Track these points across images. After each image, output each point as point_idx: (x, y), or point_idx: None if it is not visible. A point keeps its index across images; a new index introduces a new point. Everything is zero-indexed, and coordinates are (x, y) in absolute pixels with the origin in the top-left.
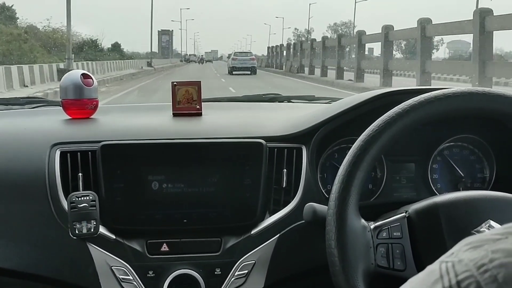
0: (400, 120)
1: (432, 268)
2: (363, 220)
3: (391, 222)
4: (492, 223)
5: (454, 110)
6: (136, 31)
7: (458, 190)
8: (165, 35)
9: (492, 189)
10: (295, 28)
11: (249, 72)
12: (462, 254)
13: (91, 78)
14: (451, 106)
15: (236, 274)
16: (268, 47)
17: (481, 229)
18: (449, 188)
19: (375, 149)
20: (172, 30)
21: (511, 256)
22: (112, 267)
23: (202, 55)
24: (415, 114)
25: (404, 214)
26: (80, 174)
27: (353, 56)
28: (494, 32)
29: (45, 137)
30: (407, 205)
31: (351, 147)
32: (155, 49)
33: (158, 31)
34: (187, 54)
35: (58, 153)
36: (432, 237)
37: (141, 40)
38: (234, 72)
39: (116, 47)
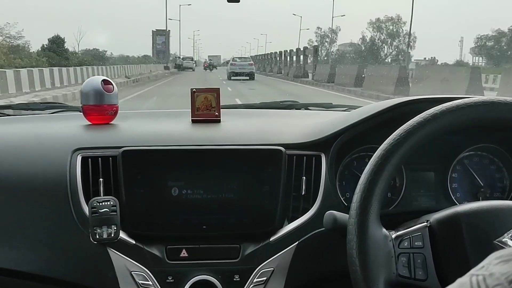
0: (422, 129)
1: (463, 281)
2: (384, 230)
3: (412, 232)
4: None
5: (476, 119)
6: (130, 32)
7: (478, 199)
8: (161, 36)
9: None
10: (318, 27)
11: (247, 78)
12: (493, 268)
13: (112, 84)
14: (473, 116)
15: (254, 281)
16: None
17: (503, 239)
18: (469, 197)
19: (396, 158)
20: (169, 30)
21: None
22: (131, 272)
23: (210, 60)
24: (437, 123)
25: (426, 223)
26: (101, 179)
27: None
28: None
29: (67, 142)
30: (428, 214)
31: (370, 155)
32: (149, 52)
33: (153, 31)
34: (179, 57)
35: (79, 158)
36: (453, 246)
37: (136, 42)
38: (232, 78)
39: (56, 43)
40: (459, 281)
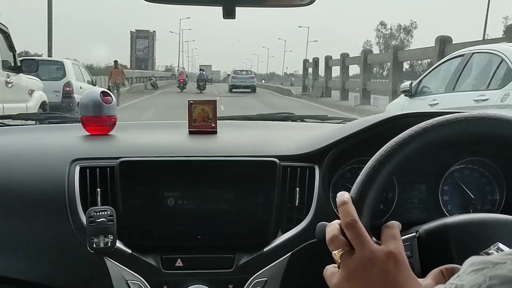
0: (413, 142)
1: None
2: (374, 239)
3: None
4: (501, 245)
5: (466, 134)
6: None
7: (469, 212)
8: (142, 39)
9: (502, 212)
10: (381, 23)
11: (249, 90)
12: (466, 277)
13: (110, 96)
14: (463, 130)
15: None
16: None
17: (489, 251)
18: (460, 210)
19: (388, 169)
20: (154, 31)
21: (506, 283)
22: (127, 281)
23: (201, 70)
24: (428, 136)
25: (415, 234)
26: (98, 189)
27: None
28: None
29: (65, 152)
30: (418, 226)
31: (363, 167)
32: (126, 60)
33: (131, 32)
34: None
35: (77, 168)
36: (441, 257)
37: (108, 47)
38: (233, 90)
39: None
40: (439, 286)
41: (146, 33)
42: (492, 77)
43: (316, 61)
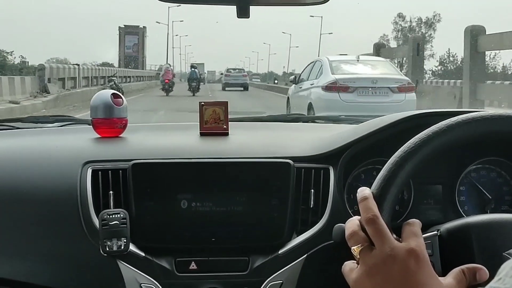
0: (437, 138)
1: None
2: (395, 236)
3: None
4: None
5: (491, 133)
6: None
7: (486, 212)
8: (131, 35)
9: None
10: (399, 15)
11: (241, 88)
12: (509, 281)
13: (121, 98)
14: (488, 129)
15: None
16: None
17: None
18: (477, 210)
19: (410, 166)
20: (145, 27)
21: None
22: (141, 284)
23: (193, 68)
24: (452, 134)
25: (436, 232)
26: (111, 192)
27: None
28: None
29: (77, 155)
30: (439, 225)
31: (378, 168)
32: (114, 58)
33: (120, 28)
34: None
35: (89, 171)
36: (462, 256)
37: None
38: (227, 88)
39: None
40: None
41: (135, 28)
42: (318, 72)
43: (415, 46)
